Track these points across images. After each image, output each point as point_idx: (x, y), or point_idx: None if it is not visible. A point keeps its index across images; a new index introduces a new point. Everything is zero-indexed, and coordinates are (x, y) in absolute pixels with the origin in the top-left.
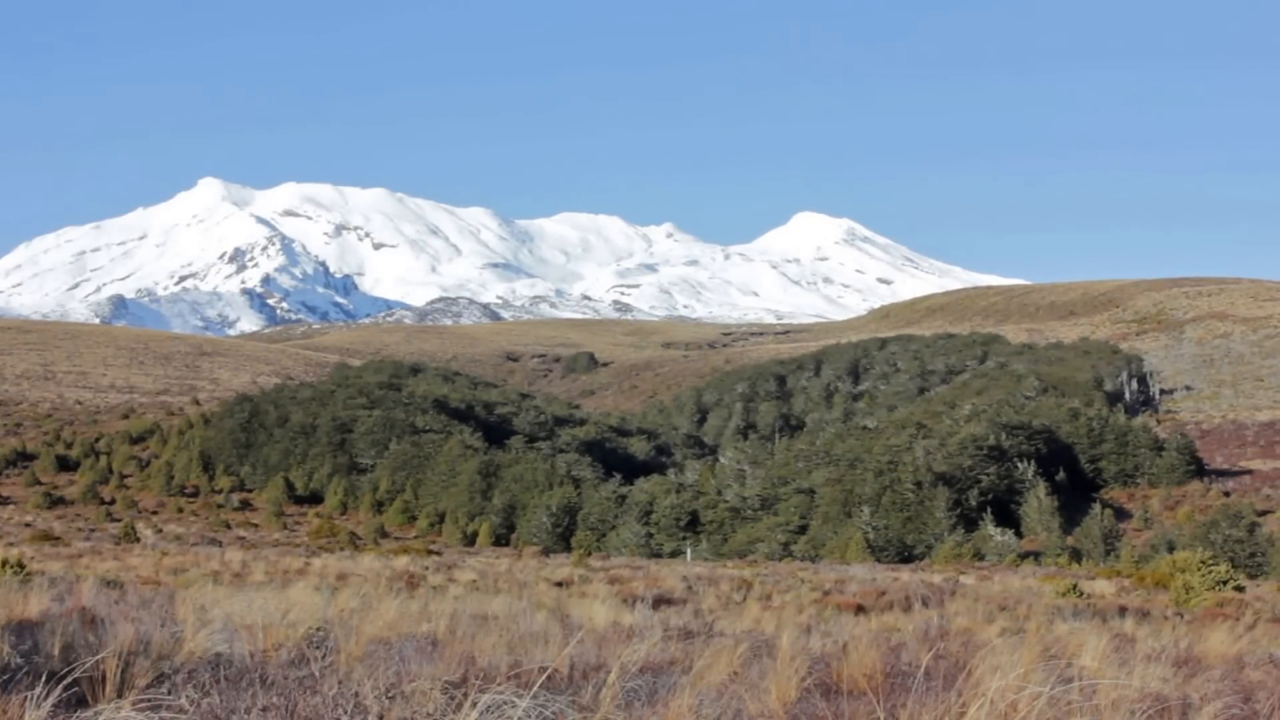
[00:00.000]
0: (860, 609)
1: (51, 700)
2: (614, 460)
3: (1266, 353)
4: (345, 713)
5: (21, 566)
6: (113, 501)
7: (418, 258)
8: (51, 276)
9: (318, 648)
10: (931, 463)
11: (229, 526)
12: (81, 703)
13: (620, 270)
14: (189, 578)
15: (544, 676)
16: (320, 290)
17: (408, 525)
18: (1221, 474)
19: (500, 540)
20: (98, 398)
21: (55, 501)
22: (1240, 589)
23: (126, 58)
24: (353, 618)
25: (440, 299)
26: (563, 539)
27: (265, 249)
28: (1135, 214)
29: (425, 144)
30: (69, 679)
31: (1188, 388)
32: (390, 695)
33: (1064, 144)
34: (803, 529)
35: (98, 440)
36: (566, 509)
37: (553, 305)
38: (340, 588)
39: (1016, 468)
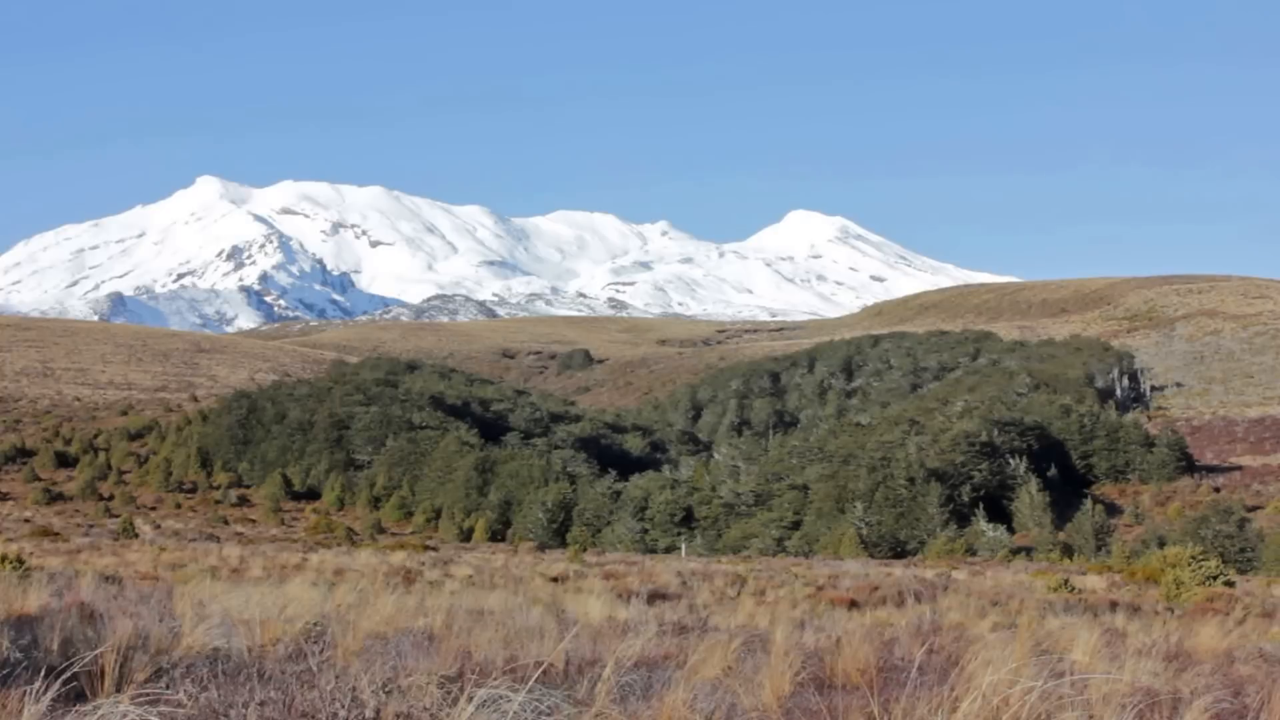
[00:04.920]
0: (853, 604)
1: (50, 695)
2: (609, 456)
3: (1256, 350)
4: (342, 707)
5: (21, 562)
6: (111, 497)
7: (414, 255)
8: (50, 274)
9: (315, 642)
10: (924, 459)
11: (227, 522)
12: (80, 697)
13: (615, 268)
14: (187, 573)
15: (539, 671)
16: (317, 287)
17: (404, 521)
18: (1212, 470)
19: (496, 536)
20: (96, 394)
21: (54, 497)
22: (1230, 584)
23: (125, 56)
24: (350, 613)
25: (437, 296)
26: (558, 534)
27: (263, 247)
28: (1127, 212)
29: (422, 142)
30: (68, 674)
31: (1178, 384)
32: (387, 690)
33: (1056, 142)
34: (796, 525)
35: (96, 437)
36: (562, 505)
37: (548, 303)
38: (337, 583)
39: (1008, 464)
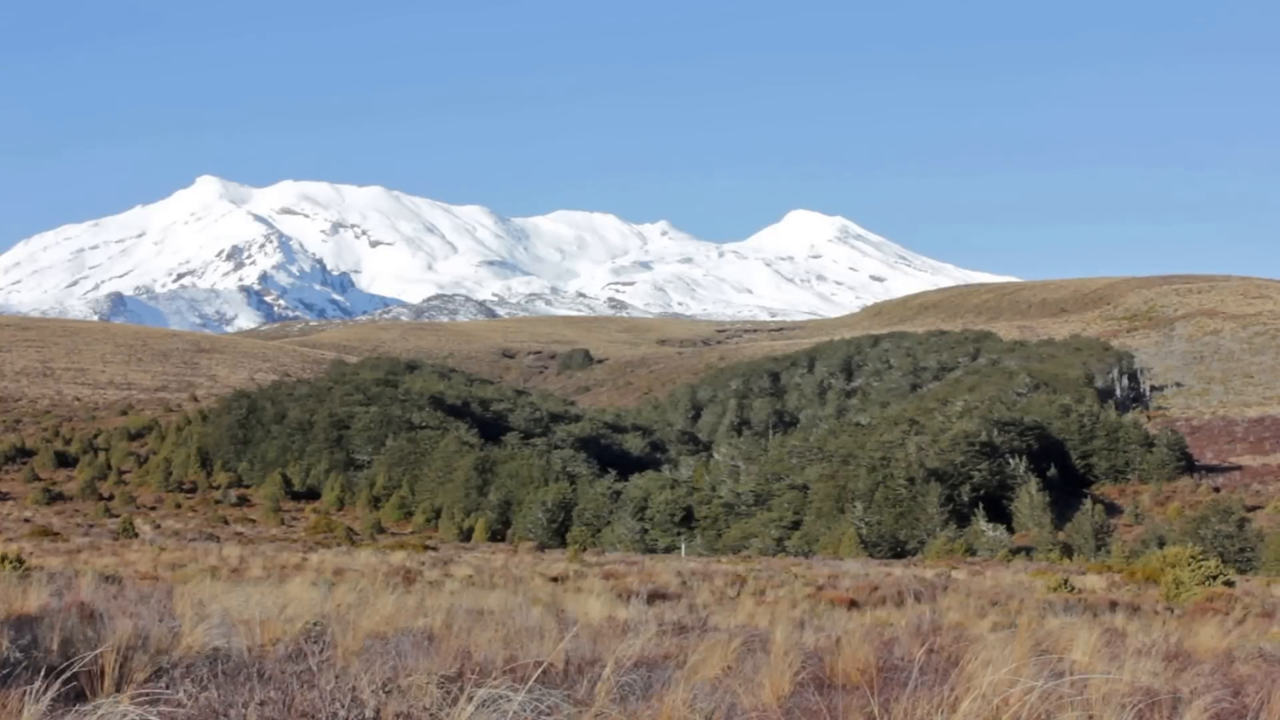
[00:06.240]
0: (853, 604)
1: (50, 695)
2: (609, 456)
3: (1256, 350)
4: (342, 706)
5: (20, 562)
6: (111, 497)
7: (414, 255)
8: (50, 274)
9: (315, 642)
10: (924, 459)
11: (226, 522)
12: (80, 697)
13: (615, 268)
14: (187, 573)
15: (539, 671)
16: (317, 287)
17: (404, 521)
18: (1211, 470)
19: (496, 536)
20: (96, 394)
21: (54, 497)
22: (1230, 584)
23: (126, 56)
24: (349, 613)
25: (436, 296)
26: (558, 534)
27: (263, 246)
28: (1126, 211)
29: (422, 142)
30: (68, 673)
31: (1178, 384)
32: (387, 689)
33: (1055, 142)
34: (796, 524)
35: (96, 436)
36: (562, 505)
37: (548, 302)
38: (337, 583)
39: (1008, 464)
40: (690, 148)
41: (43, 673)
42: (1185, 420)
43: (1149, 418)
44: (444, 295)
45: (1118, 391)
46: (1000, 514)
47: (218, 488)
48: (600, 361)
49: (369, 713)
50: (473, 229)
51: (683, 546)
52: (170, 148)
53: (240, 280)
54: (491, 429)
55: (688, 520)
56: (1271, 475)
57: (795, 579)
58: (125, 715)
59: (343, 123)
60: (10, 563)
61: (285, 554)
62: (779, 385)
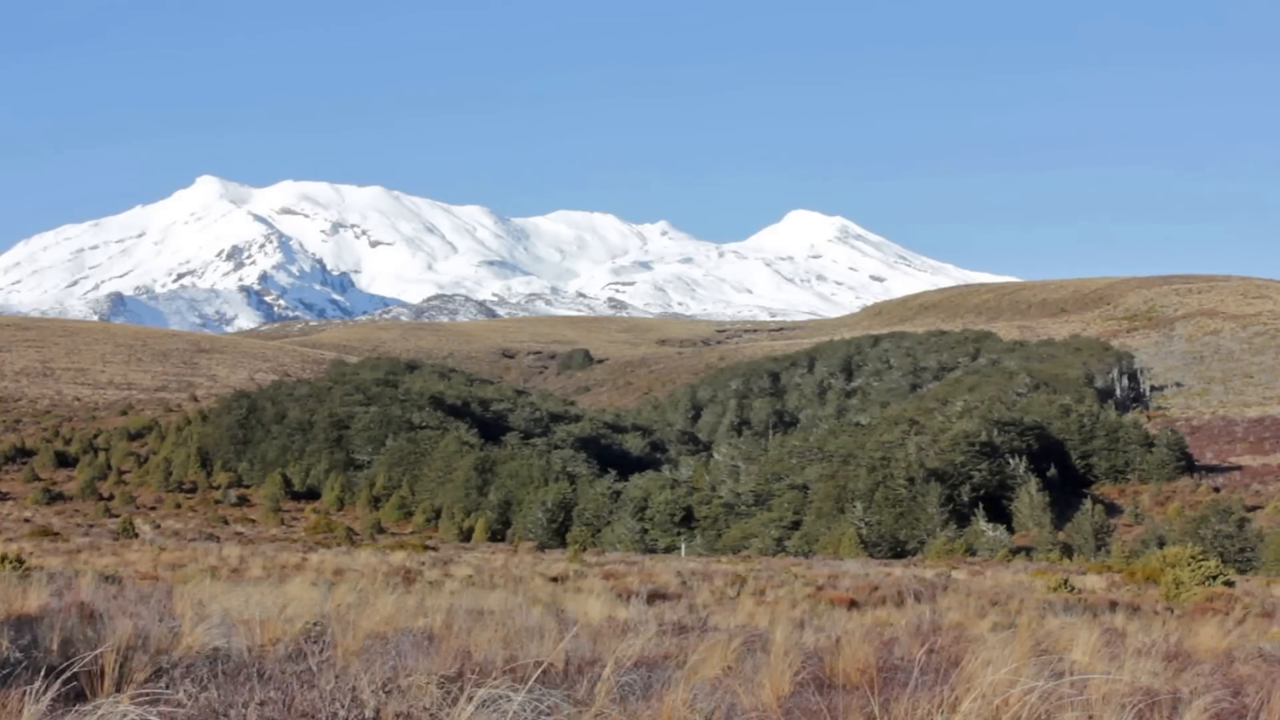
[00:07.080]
0: (853, 604)
1: (50, 695)
2: (609, 456)
3: (1256, 350)
4: (342, 706)
5: (20, 562)
6: (111, 497)
7: (414, 255)
8: (50, 274)
9: (315, 642)
10: (924, 459)
11: (226, 522)
12: (80, 697)
13: (615, 268)
14: (187, 573)
15: (539, 671)
16: (317, 287)
17: (404, 521)
18: (1211, 470)
19: (496, 536)
20: (96, 394)
21: (54, 497)
22: (1230, 584)
23: (125, 56)
24: (349, 613)
25: (436, 296)
26: (558, 534)
27: (263, 246)
28: (1127, 211)
29: (422, 142)
30: (68, 673)
31: (1178, 384)
32: (387, 689)
33: (1056, 142)
34: (796, 525)
35: (96, 436)
36: (562, 505)
37: (548, 302)
38: (337, 583)
39: (1008, 464)
40: (690, 148)
41: (43, 673)
42: (1185, 420)
43: (1149, 418)
44: (444, 295)
45: (1118, 391)
46: (1000, 514)
47: (218, 488)
48: (600, 361)
49: (369, 713)
50: (473, 229)
51: (683, 546)
52: (170, 148)
53: (240, 280)
54: (491, 429)
55: (688, 520)
56: (1271, 475)
57: (795, 579)
58: (125, 715)
59: (343, 123)
60: (10, 563)
61: (285, 554)
62: (779, 385)
